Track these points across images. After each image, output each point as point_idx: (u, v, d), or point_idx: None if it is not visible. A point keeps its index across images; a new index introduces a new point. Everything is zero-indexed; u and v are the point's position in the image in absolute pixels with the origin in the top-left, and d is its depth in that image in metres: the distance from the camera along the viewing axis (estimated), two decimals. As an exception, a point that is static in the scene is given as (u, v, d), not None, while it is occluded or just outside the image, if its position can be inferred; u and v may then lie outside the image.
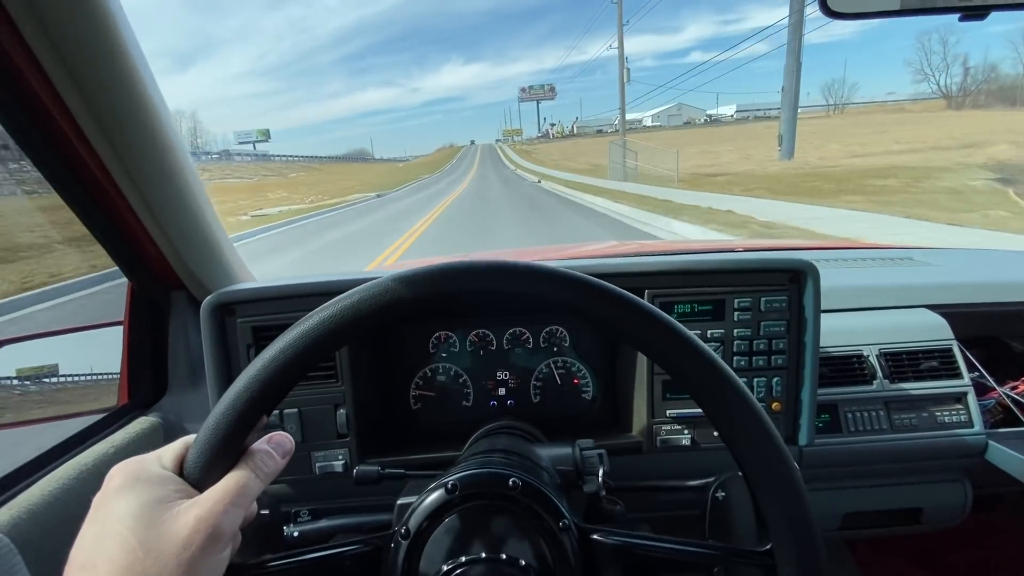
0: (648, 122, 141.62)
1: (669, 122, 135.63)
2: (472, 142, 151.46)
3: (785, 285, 0.78)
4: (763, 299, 0.77)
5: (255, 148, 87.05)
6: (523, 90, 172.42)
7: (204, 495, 0.35)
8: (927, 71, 62.39)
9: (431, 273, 0.37)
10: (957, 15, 0.57)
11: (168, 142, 0.68)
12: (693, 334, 0.39)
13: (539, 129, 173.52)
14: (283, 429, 0.77)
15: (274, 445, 0.40)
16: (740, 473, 0.56)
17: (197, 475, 0.36)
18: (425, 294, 0.37)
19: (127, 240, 0.75)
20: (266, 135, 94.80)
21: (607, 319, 0.38)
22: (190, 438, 0.37)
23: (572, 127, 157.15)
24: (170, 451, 0.37)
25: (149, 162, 0.68)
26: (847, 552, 1.26)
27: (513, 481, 0.41)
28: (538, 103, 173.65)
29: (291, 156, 75.45)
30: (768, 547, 0.38)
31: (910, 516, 0.98)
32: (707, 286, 0.78)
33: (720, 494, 0.55)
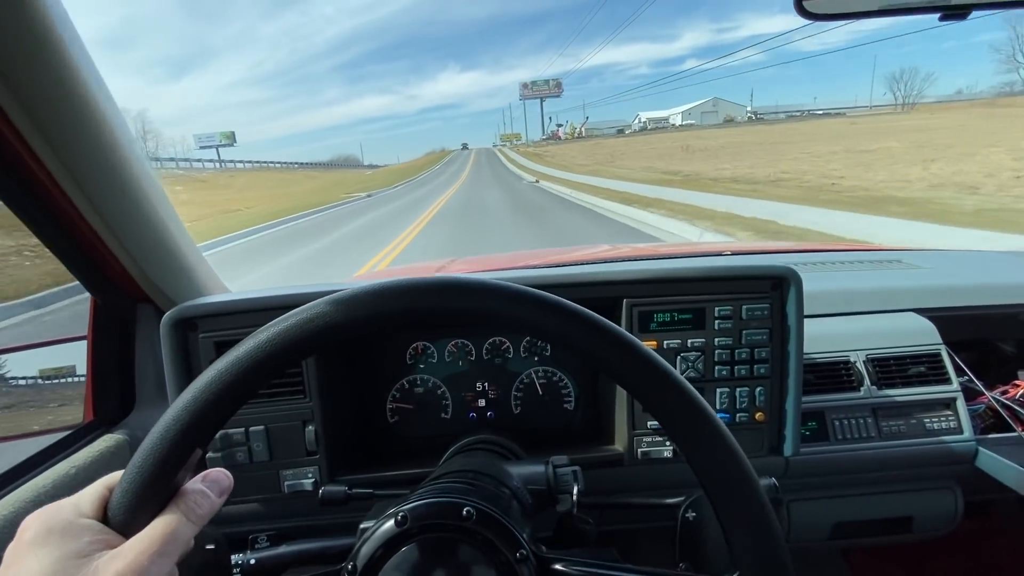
0: (677, 120, 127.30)
1: (703, 120, 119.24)
2: (464, 146, 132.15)
3: (767, 292, 0.76)
4: (744, 307, 0.75)
5: (218, 153, 77.34)
6: (525, 86, 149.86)
7: (127, 545, 0.32)
8: (1020, 59, 53.17)
9: (370, 293, 0.35)
10: (937, 15, 0.56)
11: (120, 151, 0.65)
12: (644, 345, 0.37)
13: (543, 131, 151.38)
14: (249, 446, 0.75)
15: (209, 483, 0.37)
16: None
17: (122, 519, 0.33)
18: (364, 315, 0.35)
19: (87, 254, 0.73)
20: (231, 138, 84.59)
21: (555, 333, 0.36)
22: (114, 477, 0.35)
23: (580, 129, 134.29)
24: (89, 495, 0.34)
25: (100, 172, 0.64)
26: (841, 561, 1.24)
27: (467, 511, 0.39)
28: (542, 101, 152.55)
29: (261, 162, 67.09)
30: (736, 574, 0.36)
31: (900, 524, 0.96)
32: (687, 294, 0.76)
33: (690, 514, 0.53)
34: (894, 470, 0.92)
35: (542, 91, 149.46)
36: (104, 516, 0.33)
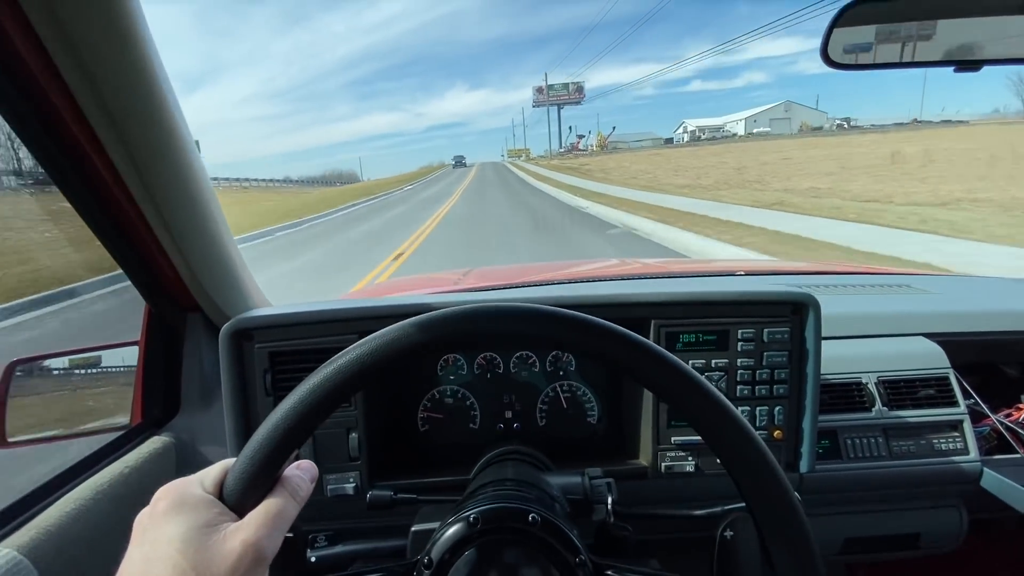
0: (738, 129, 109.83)
1: (774, 128, 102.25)
2: (459, 161, 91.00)
3: (787, 317, 0.80)
4: (766, 330, 0.80)
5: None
6: (539, 91, 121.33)
7: (247, 519, 0.36)
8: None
9: (454, 316, 0.40)
10: (952, 67, 0.60)
11: (189, 162, 0.69)
12: (695, 371, 0.41)
13: (560, 143, 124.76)
14: (297, 452, 0.79)
15: (303, 470, 0.42)
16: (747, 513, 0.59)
17: (236, 499, 0.37)
18: (449, 334, 0.39)
19: (147, 263, 0.77)
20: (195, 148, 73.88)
21: (606, 356, 0.40)
22: (228, 462, 0.39)
23: (601, 141, 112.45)
24: (211, 475, 0.39)
25: (172, 186, 0.68)
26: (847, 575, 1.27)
27: (533, 517, 0.43)
28: (559, 109, 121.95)
29: (235, 179, 58.18)
30: None
31: (908, 541, 1.00)
32: (712, 317, 0.80)
33: (728, 533, 0.57)
34: (903, 488, 0.95)
35: (560, 97, 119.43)
36: (220, 495, 0.38)
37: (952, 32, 0.59)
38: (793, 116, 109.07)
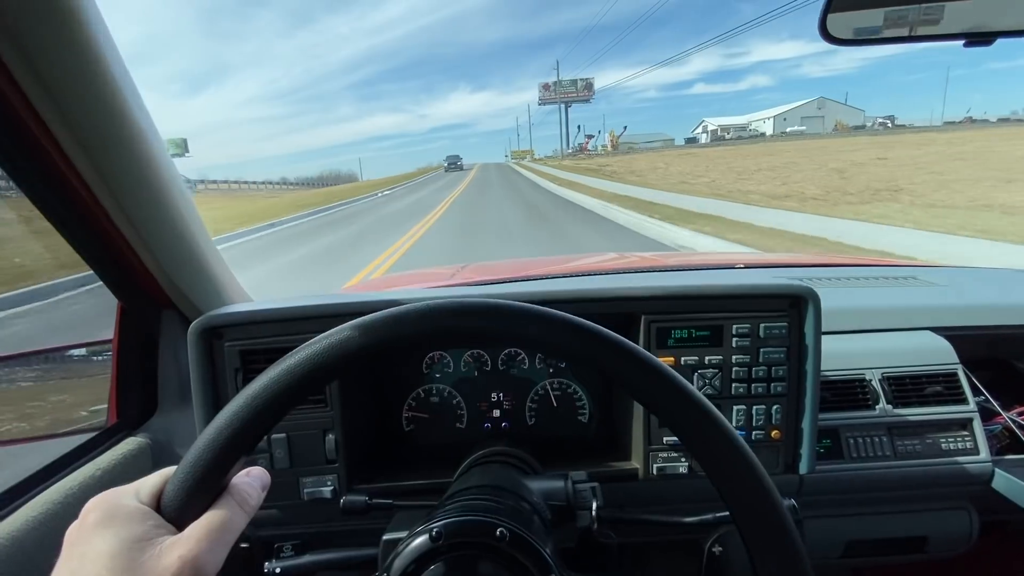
0: (766, 128, 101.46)
1: (806, 127, 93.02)
2: (452, 163, 71.50)
3: (785, 311, 0.76)
4: (762, 325, 0.76)
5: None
6: (546, 87, 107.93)
7: (186, 532, 0.33)
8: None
9: (422, 310, 0.36)
10: (962, 41, 0.56)
11: (153, 159, 0.66)
12: (665, 363, 0.37)
13: (568, 143, 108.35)
14: (271, 453, 0.77)
15: (253, 478, 0.39)
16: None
17: (175, 511, 0.34)
18: (414, 332, 0.36)
19: (115, 260, 0.74)
20: (181, 147, 61.70)
21: (561, 348, 0.37)
22: (168, 471, 0.36)
23: (614, 141, 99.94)
24: (147, 485, 0.36)
25: (133, 178, 0.66)
26: None
27: (500, 531, 0.40)
28: (566, 106, 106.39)
29: (226, 181, 53.66)
30: None
31: (915, 544, 0.96)
32: (705, 311, 0.76)
33: (716, 549, 0.53)
34: (908, 489, 0.91)
35: (568, 94, 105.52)
36: (157, 506, 0.35)
37: (960, 5, 0.55)
38: (827, 114, 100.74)
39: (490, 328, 0.36)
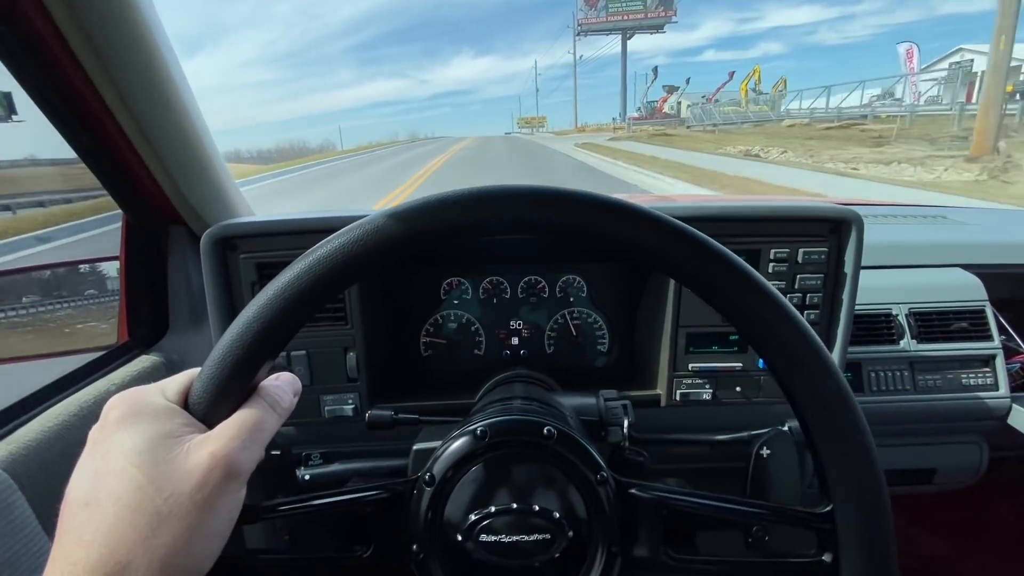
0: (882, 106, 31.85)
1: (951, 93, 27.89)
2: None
3: (825, 236, 0.73)
4: (801, 251, 0.73)
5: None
6: (591, 3, 54.63)
7: (218, 430, 0.31)
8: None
9: (445, 201, 0.33)
10: None
11: (166, 72, 0.64)
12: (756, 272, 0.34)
13: (632, 104, 61.81)
14: (291, 371, 0.75)
15: (284, 383, 0.36)
16: (786, 429, 0.54)
17: (204, 409, 0.32)
18: (445, 224, 0.33)
19: (122, 170, 0.70)
20: None
21: (623, 237, 0.33)
22: (193, 371, 0.34)
23: (661, 107, 49.33)
24: (174, 383, 0.34)
25: (145, 89, 0.63)
26: None
27: (548, 430, 0.38)
28: (626, 37, 59.60)
29: None
30: (828, 509, 0.35)
31: (923, 476, 0.98)
32: (743, 235, 0.73)
33: (764, 451, 0.52)
34: (925, 423, 0.92)
35: (629, 15, 56.00)
36: (185, 405, 0.33)
37: None
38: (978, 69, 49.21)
39: (529, 217, 0.33)
